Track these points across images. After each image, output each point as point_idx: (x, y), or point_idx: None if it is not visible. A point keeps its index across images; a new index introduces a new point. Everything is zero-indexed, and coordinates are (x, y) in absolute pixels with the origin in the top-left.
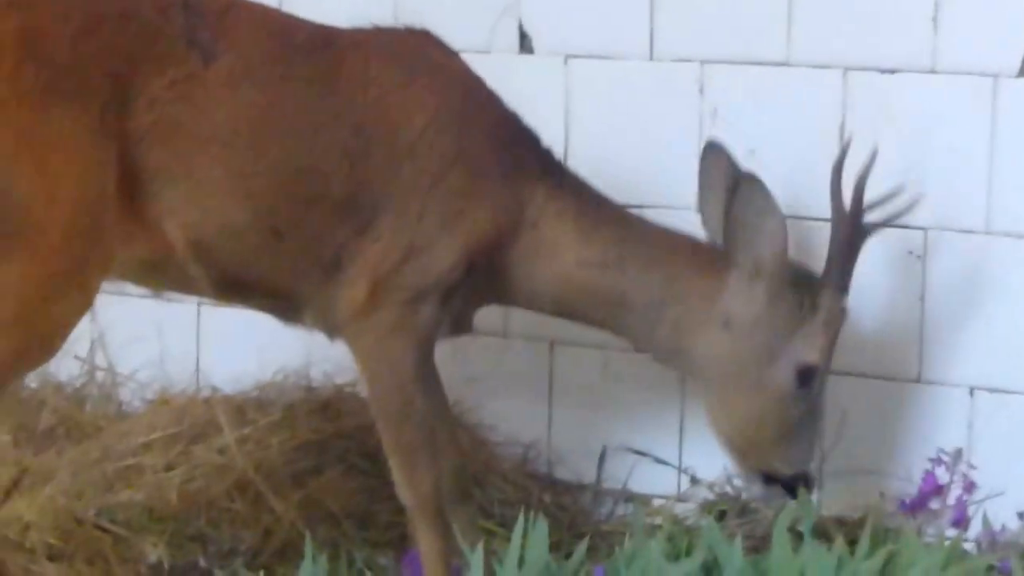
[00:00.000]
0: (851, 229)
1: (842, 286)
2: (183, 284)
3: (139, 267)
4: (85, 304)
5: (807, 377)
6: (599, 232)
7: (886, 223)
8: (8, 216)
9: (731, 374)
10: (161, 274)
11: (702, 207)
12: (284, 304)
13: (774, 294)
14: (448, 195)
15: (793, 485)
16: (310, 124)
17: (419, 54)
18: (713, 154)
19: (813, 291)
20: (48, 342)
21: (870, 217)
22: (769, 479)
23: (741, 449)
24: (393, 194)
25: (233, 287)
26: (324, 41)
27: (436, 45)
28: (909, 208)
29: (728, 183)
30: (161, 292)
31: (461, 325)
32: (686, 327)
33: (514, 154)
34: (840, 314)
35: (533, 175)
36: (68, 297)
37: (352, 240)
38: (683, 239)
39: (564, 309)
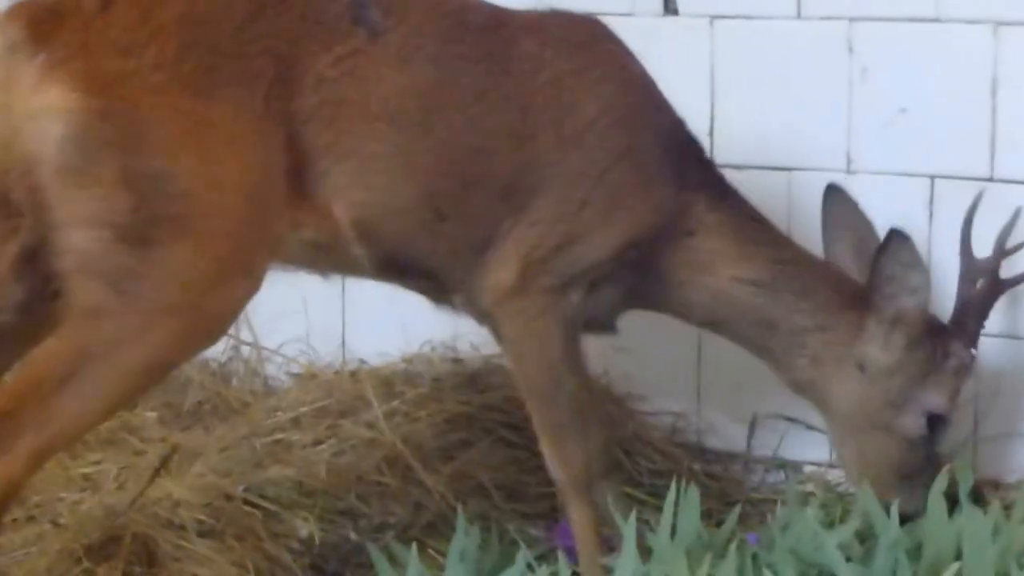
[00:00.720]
0: (988, 285)
1: (972, 339)
2: (346, 265)
3: (304, 249)
4: (253, 288)
5: (936, 424)
6: (757, 251)
7: (1020, 280)
8: (171, 201)
9: (862, 415)
10: (325, 255)
11: (827, 246)
12: (437, 285)
13: (911, 344)
14: (613, 188)
15: (904, 519)
16: (479, 103)
17: (596, 44)
18: (835, 195)
19: (945, 341)
20: (215, 325)
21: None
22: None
23: (861, 484)
24: (556, 179)
25: (393, 267)
26: (498, 21)
27: (611, 38)
28: None
29: (871, 236)
30: (324, 273)
31: (607, 326)
32: (824, 361)
33: (679, 160)
34: (969, 365)
35: (695, 183)
36: (235, 281)
37: (507, 221)
38: (833, 271)
39: (711, 321)
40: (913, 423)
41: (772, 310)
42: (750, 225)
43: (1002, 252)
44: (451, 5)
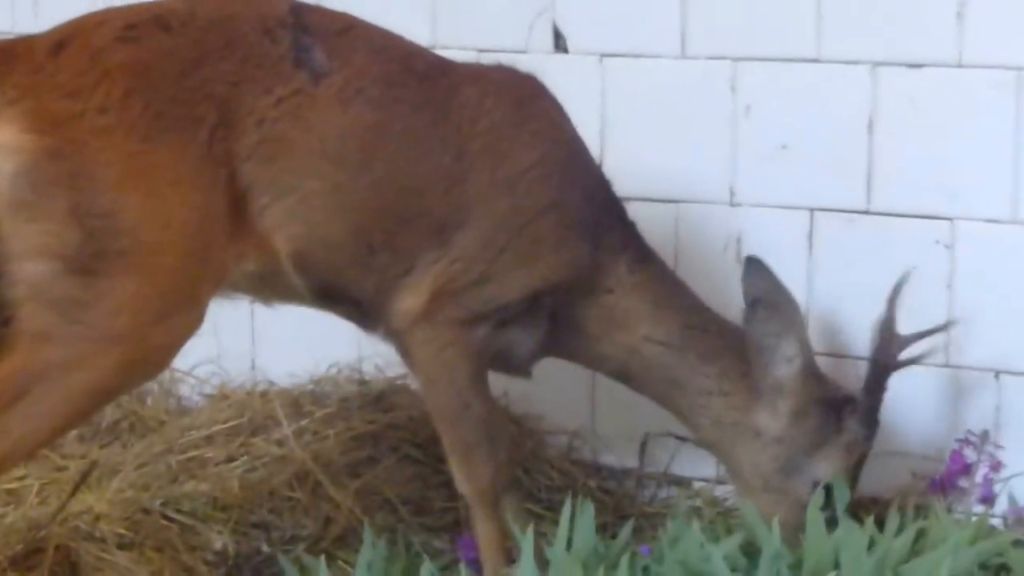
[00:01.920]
0: (878, 368)
1: (869, 417)
2: (286, 293)
3: (247, 280)
4: (196, 320)
5: (825, 489)
6: (670, 314)
7: (914, 361)
8: (118, 236)
9: (757, 477)
10: (267, 285)
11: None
12: (362, 312)
13: (797, 413)
14: (533, 238)
15: None
16: (417, 146)
17: (535, 101)
18: (753, 268)
19: (840, 414)
20: (159, 356)
21: (906, 353)
22: None
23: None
24: (482, 222)
25: (327, 296)
26: (441, 70)
27: (549, 97)
28: (930, 354)
29: (754, 300)
30: (267, 301)
31: (523, 370)
32: (724, 424)
33: (602, 219)
34: (862, 442)
35: (617, 244)
36: (180, 313)
37: (428, 252)
38: (740, 338)
39: (623, 375)
40: (801, 489)
41: (679, 371)
42: (666, 288)
43: (888, 340)
44: (397, 51)
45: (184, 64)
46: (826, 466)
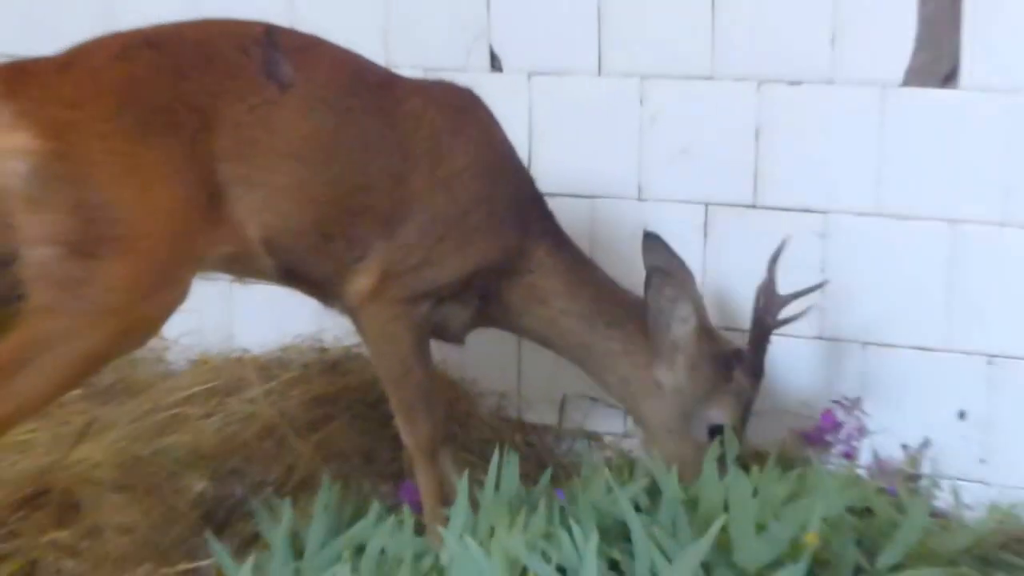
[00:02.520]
0: (761, 324)
1: (754, 368)
2: (257, 272)
3: (224, 261)
4: (180, 296)
5: (718, 432)
6: (582, 290)
7: (789, 321)
8: (112, 225)
9: (661, 424)
10: (241, 265)
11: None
12: (322, 290)
13: (693, 366)
14: (467, 227)
15: None
16: (368, 148)
17: (470, 110)
18: (651, 242)
19: (729, 367)
20: (148, 327)
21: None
22: None
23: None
24: (424, 214)
25: (292, 275)
26: (390, 83)
27: (483, 107)
28: (806, 312)
29: (651, 270)
30: (241, 278)
31: (457, 338)
32: (630, 380)
33: (526, 212)
34: (750, 390)
35: (537, 232)
36: (166, 290)
37: (378, 241)
38: (643, 307)
39: (544, 341)
40: (699, 433)
41: (590, 337)
42: (578, 269)
43: (767, 303)
44: (352, 66)
45: (170, 78)
46: (719, 412)
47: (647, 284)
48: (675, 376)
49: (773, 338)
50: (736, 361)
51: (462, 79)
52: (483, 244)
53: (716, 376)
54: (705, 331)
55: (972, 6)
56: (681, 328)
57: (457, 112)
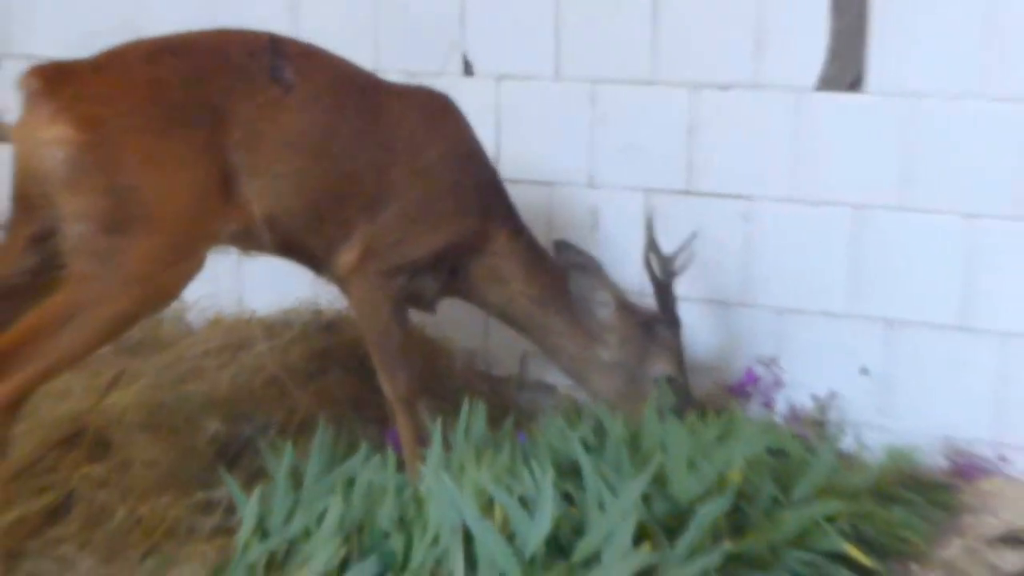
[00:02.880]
0: (659, 285)
1: (670, 318)
2: (257, 246)
3: (230, 236)
4: (197, 266)
5: (667, 383)
6: (537, 276)
7: (682, 270)
8: (139, 206)
9: (613, 392)
10: (244, 240)
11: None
12: (315, 263)
13: (623, 339)
14: (438, 212)
15: None
16: (355, 143)
17: (445, 113)
18: (562, 246)
19: (653, 329)
20: (169, 293)
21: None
22: None
23: (629, 396)
24: (401, 200)
25: (287, 249)
26: (376, 87)
27: (455, 109)
28: (689, 261)
29: (568, 269)
30: (246, 252)
31: (429, 307)
32: (577, 358)
33: (490, 201)
34: (674, 339)
35: (500, 219)
36: (185, 261)
37: (362, 222)
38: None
39: (502, 316)
40: (646, 389)
41: (542, 319)
42: (534, 256)
43: (662, 262)
44: (344, 71)
45: (189, 79)
46: (658, 366)
47: (567, 281)
48: (611, 351)
49: (702, 307)
50: (656, 322)
51: (440, 82)
52: (451, 226)
53: (645, 340)
54: (624, 307)
55: (876, 24)
56: (604, 311)
57: (433, 113)
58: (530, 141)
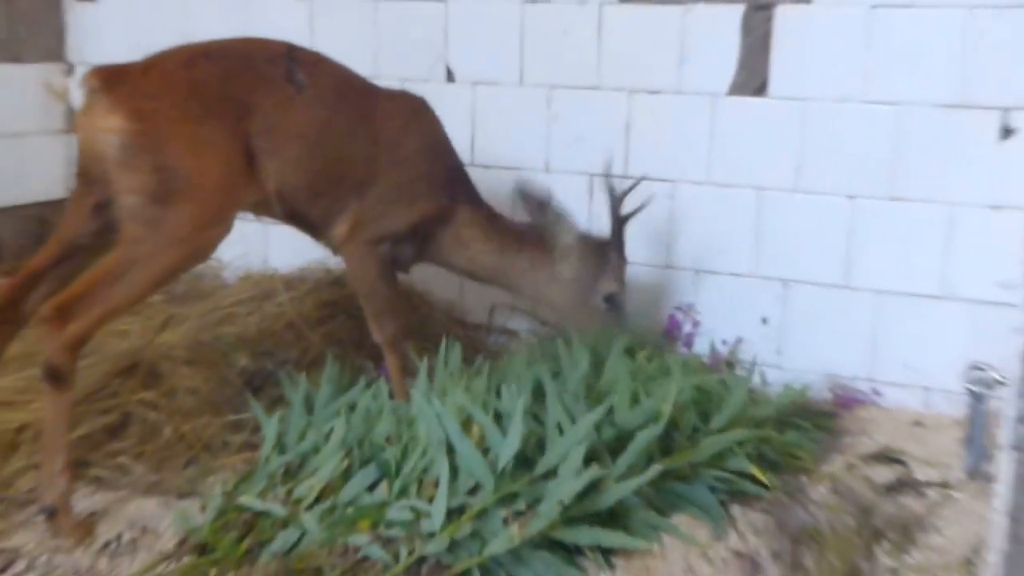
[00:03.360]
0: (617, 218)
1: (619, 248)
2: (271, 214)
3: (251, 205)
4: (227, 229)
5: (613, 299)
6: (493, 235)
7: (635, 213)
8: (180, 180)
9: (570, 307)
10: (261, 208)
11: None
12: (314, 231)
13: (580, 259)
14: (412, 193)
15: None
16: (350, 135)
17: (420, 112)
18: (525, 187)
19: (605, 252)
20: (206, 251)
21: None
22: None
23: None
24: (383, 182)
25: (293, 218)
26: (368, 91)
27: (428, 109)
28: (648, 203)
29: (533, 204)
30: (260, 218)
31: (405, 268)
32: (540, 285)
33: (455, 183)
34: (621, 264)
35: (462, 197)
36: (217, 225)
37: (352, 200)
38: (536, 233)
39: (468, 274)
40: (598, 302)
41: (504, 265)
42: (491, 221)
43: (618, 201)
44: (344, 76)
45: (220, 79)
46: (607, 284)
47: (536, 214)
48: (571, 269)
49: (637, 269)
50: (608, 247)
51: (427, 87)
52: (423, 204)
53: (598, 260)
54: (582, 234)
55: (777, 41)
56: (567, 236)
57: (412, 113)
58: (498, 135)
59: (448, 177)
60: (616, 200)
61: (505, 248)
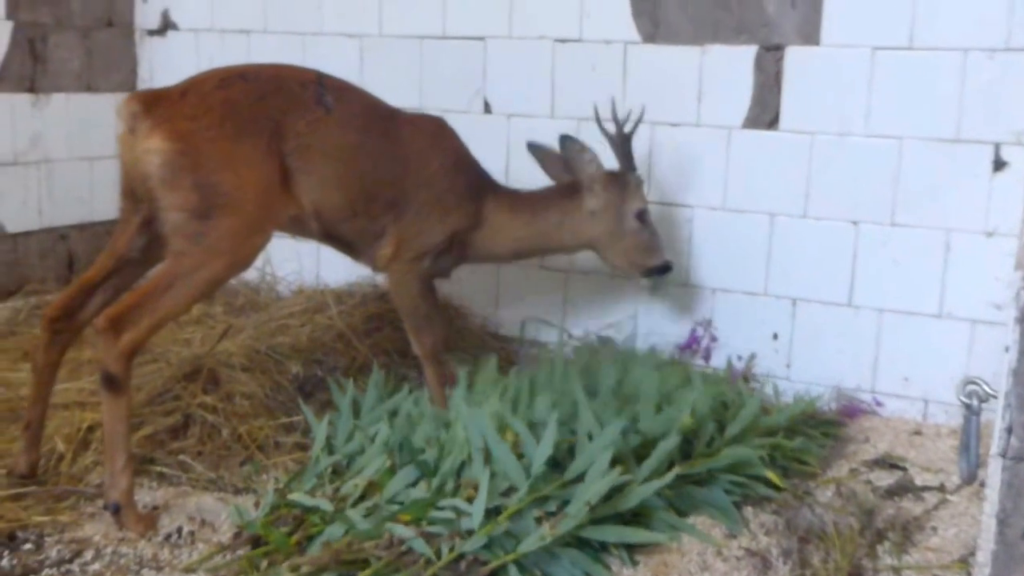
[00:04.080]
0: (624, 143)
1: (632, 167)
2: (307, 232)
3: (288, 222)
4: (265, 241)
5: (642, 215)
6: (520, 210)
7: (633, 130)
8: (220, 196)
9: (607, 236)
10: (298, 226)
11: (547, 170)
12: (352, 250)
13: (605, 187)
14: (443, 206)
15: (664, 270)
16: (379, 155)
17: (442, 132)
18: (536, 147)
19: (623, 176)
20: (246, 262)
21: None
22: (649, 273)
23: (633, 268)
24: (415, 199)
25: (330, 237)
26: (392, 114)
27: (449, 129)
28: (640, 119)
29: (560, 146)
30: (297, 236)
31: (445, 274)
32: (577, 228)
33: (478, 189)
34: (639, 180)
35: (487, 194)
36: (256, 237)
37: (390, 222)
38: (556, 189)
39: (515, 254)
40: (632, 221)
41: (540, 229)
42: (513, 199)
43: (625, 133)
44: (370, 102)
45: (255, 100)
46: (635, 201)
47: (562, 148)
48: (598, 198)
49: None
50: (624, 171)
51: (466, 118)
52: (456, 216)
53: (620, 184)
54: (601, 165)
55: (787, 80)
56: (591, 166)
57: (433, 134)
58: (531, 163)
59: (471, 184)
60: (619, 124)
61: (534, 215)
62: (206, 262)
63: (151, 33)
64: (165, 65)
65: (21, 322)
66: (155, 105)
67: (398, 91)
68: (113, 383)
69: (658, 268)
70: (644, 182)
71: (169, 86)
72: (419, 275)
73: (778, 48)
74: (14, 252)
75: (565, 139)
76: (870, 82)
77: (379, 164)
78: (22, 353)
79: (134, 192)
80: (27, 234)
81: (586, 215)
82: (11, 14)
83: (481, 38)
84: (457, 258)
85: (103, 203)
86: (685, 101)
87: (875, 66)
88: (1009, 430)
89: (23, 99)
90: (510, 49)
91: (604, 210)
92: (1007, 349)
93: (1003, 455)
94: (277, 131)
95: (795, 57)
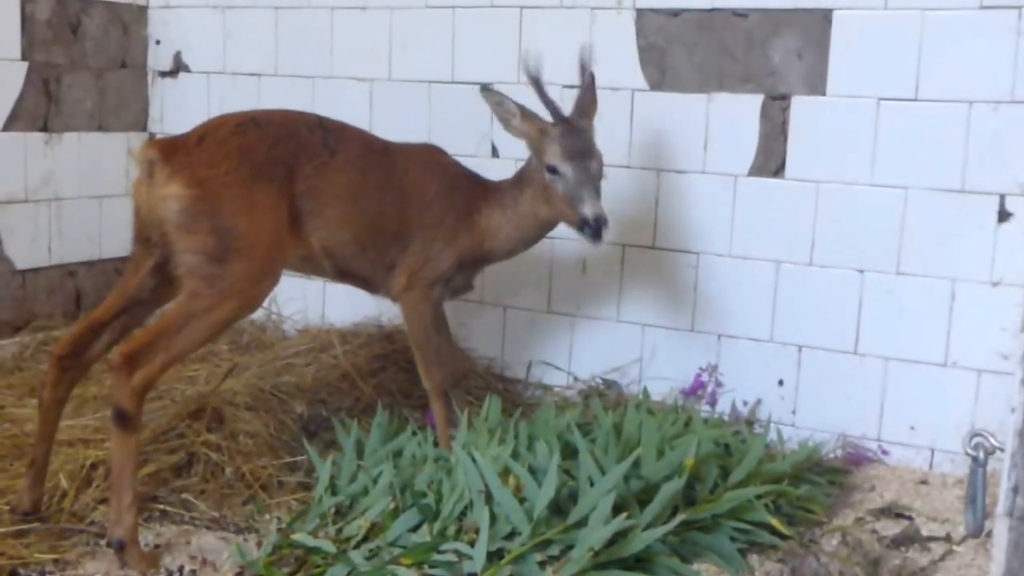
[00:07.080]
0: (539, 89)
1: (557, 116)
2: (319, 271)
3: (299, 261)
4: (275, 283)
5: (551, 169)
6: (507, 204)
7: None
8: (235, 239)
9: (541, 188)
10: (309, 265)
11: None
12: (368, 285)
13: (533, 139)
14: (446, 230)
15: (598, 227)
16: (380, 189)
17: (435, 159)
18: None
19: (543, 126)
20: (256, 303)
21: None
22: (584, 226)
23: (565, 218)
24: (420, 228)
25: (343, 274)
26: (386, 148)
27: (442, 154)
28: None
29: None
30: (309, 274)
31: (465, 289)
32: (539, 193)
33: (475, 199)
34: (554, 132)
35: (483, 204)
36: (266, 279)
37: (398, 254)
38: (520, 172)
39: (523, 243)
40: (545, 173)
41: (527, 211)
42: (496, 197)
43: (547, 97)
44: (366, 139)
45: (268, 145)
46: (547, 156)
47: (484, 98)
48: (531, 145)
49: (662, 332)
50: (555, 121)
51: (474, 161)
52: (463, 238)
53: (540, 134)
54: (527, 113)
55: (792, 129)
56: (514, 119)
57: (426, 161)
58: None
59: (468, 199)
60: (532, 76)
61: (517, 200)
62: (220, 303)
63: (163, 75)
64: (176, 106)
65: (28, 358)
66: (173, 152)
67: (407, 134)
68: (124, 419)
69: (593, 225)
70: (579, 130)
71: (184, 133)
72: (431, 302)
73: (784, 97)
74: (23, 288)
75: (483, 89)
76: (875, 132)
77: (382, 198)
78: (29, 389)
79: (148, 237)
80: (36, 270)
81: (530, 169)
82: (26, 55)
83: (489, 83)
84: (470, 271)
85: (111, 240)
86: (691, 148)
87: (880, 116)
88: (1015, 490)
89: (36, 138)
90: (517, 95)
91: (534, 167)
92: (1013, 410)
93: (1009, 515)
94: (288, 175)
95: (801, 106)
